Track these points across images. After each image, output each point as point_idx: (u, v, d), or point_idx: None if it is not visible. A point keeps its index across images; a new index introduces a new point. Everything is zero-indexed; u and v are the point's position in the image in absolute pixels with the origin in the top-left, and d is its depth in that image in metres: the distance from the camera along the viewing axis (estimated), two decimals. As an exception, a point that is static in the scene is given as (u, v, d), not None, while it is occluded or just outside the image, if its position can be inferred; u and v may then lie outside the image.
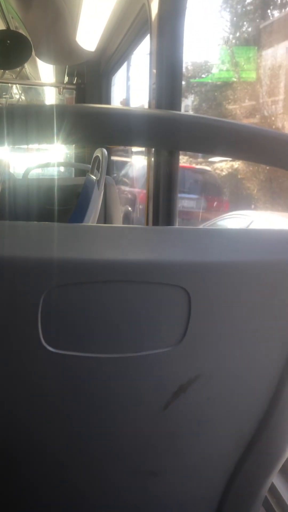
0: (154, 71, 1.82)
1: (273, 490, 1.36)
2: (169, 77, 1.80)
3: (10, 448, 0.60)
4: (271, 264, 0.53)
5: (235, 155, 0.54)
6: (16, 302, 0.49)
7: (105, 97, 3.47)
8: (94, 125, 0.48)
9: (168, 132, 0.49)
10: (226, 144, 0.52)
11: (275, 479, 1.35)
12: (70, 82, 3.62)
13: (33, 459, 0.62)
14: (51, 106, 0.46)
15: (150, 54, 1.85)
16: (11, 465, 0.62)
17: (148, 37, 1.88)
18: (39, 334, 0.50)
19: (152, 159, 1.90)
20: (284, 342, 0.59)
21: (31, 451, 0.61)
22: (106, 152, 2.17)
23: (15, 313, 0.49)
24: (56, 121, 0.45)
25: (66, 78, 3.67)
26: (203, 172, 8.11)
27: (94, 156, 2.35)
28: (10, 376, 0.53)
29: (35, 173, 3.29)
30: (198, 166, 8.20)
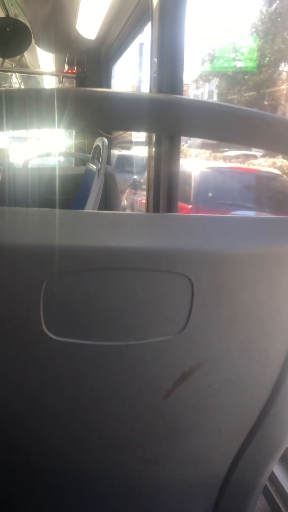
0: (155, 59, 1.81)
1: (272, 478, 1.37)
2: (170, 65, 1.78)
3: (11, 434, 0.60)
4: (275, 253, 0.53)
5: (236, 140, 0.54)
6: (18, 289, 0.48)
7: (105, 86, 3.45)
8: (96, 109, 0.47)
9: (172, 116, 0.49)
10: (229, 128, 0.51)
11: (274, 467, 1.36)
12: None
13: (33, 446, 0.62)
14: (52, 90, 0.45)
15: (151, 42, 1.84)
16: (12, 451, 0.62)
17: (149, 25, 1.87)
18: (41, 321, 0.49)
19: (153, 149, 1.89)
20: (286, 330, 0.59)
21: (32, 438, 0.61)
22: (106, 142, 2.16)
23: (17, 300, 0.49)
24: (57, 105, 0.44)
25: (66, 67, 3.64)
26: (271, 177, 5.72)
27: (94, 145, 2.35)
28: (12, 363, 0.53)
29: (34, 163, 3.27)
30: (265, 169, 6.07)
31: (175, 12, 1.72)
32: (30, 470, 0.65)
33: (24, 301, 0.49)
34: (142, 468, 0.67)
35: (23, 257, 0.47)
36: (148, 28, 2.27)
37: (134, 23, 2.44)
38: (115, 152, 9.23)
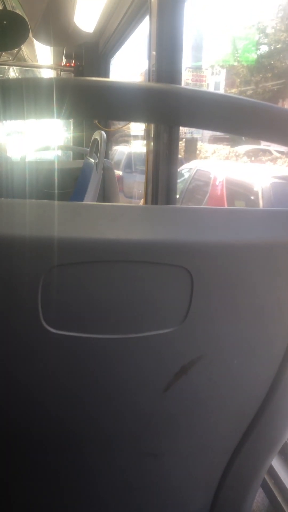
0: (154, 53, 1.79)
1: (271, 470, 1.37)
2: (169, 59, 1.77)
3: (9, 427, 0.60)
4: (275, 245, 0.53)
5: (236, 131, 0.53)
6: (16, 282, 0.48)
7: (104, 80, 3.43)
8: (97, 99, 0.46)
9: (174, 106, 0.48)
10: (229, 119, 0.51)
11: (273, 460, 1.37)
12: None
13: (31, 439, 0.61)
14: (50, 79, 0.44)
15: (150, 35, 1.82)
16: (10, 444, 0.62)
17: (147, 17, 1.85)
18: (39, 315, 0.49)
19: (152, 143, 1.88)
20: (286, 323, 0.59)
21: (30, 431, 0.60)
22: (104, 135, 2.16)
23: (15, 293, 0.48)
24: (56, 95, 0.44)
25: (64, 60, 3.63)
26: None
27: (92, 139, 2.34)
28: (10, 356, 0.52)
29: (32, 157, 3.26)
30: None
31: (174, 4, 1.71)
32: (28, 463, 0.65)
33: (22, 294, 0.48)
34: (141, 461, 0.67)
35: (21, 250, 0.46)
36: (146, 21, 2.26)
37: (133, 16, 2.43)
38: (123, 149, 8.71)
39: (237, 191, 4.29)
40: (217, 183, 4.59)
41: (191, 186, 5.53)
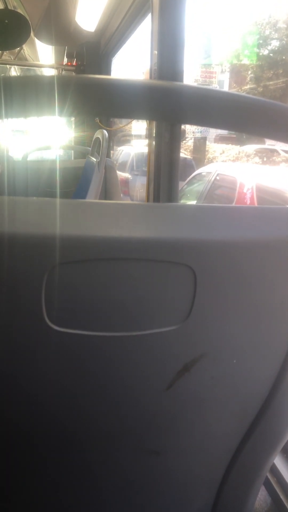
0: (155, 52, 1.79)
1: (273, 469, 1.38)
2: (171, 58, 1.77)
3: (11, 424, 0.60)
4: (278, 243, 0.53)
5: (239, 128, 0.53)
6: (19, 279, 0.48)
7: (105, 79, 3.43)
8: (98, 96, 0.47)
9: (173, 103, 0.48)
10: (231, 116, 0.51)
11: (276, 458, 1.37)
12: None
13: (34, 437, 0.62)
14: (52, 77, 0.44)
15: (151, 34, 1.82)
16: (12, 441, 0.62)
17: (149, 16, 1.85)
18: (43, 312, 0.49)
19: (154, 142, 1.88)
20: None
21: (32, 429, 0.61)
22: (106, 134, 2.16)
23: (19, 291, 0.48)
24: (58, 92, 0.44)
25: (65, 60, 3.63)
26: None
27: (94, 138, 2.34)
28: (13, 354, 0.53)
29: (34, 156, 3.26)
30: None
31: (176, 2, 1.71)
32: (29, 461, 0.65)
33: (25, 292, 0.48)
34: (143, 459, 0.67)
35: (24, 247, 0.46)
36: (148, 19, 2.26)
37: (134, 15, 2.43)
38: (129, 150, 8.50)
39: (272, 201, 3.84)
40: (245, 190, 4.12)
41: (210, 193, 4.94)
